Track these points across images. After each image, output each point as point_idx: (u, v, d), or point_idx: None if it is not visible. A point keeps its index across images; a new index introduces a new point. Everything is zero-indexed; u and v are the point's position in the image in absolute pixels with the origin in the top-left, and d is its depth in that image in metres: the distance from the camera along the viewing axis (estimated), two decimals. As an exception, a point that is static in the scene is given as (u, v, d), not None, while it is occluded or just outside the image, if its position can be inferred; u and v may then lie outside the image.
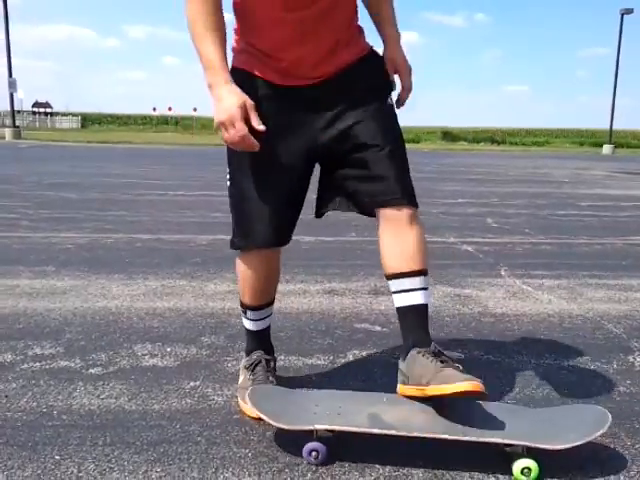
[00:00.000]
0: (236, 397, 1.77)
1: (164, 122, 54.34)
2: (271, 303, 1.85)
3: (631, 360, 2.17)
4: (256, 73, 1.59)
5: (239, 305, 1.85)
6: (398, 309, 1.62)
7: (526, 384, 1.92)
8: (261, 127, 1.47)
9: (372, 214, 1.67)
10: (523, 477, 1.37)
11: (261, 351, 1.83)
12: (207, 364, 2.03)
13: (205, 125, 49.91)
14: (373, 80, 1.65)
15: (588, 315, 2.70)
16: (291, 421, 1.45)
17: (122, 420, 1.62)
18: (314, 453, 1.41)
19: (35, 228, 4.61)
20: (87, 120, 56.51)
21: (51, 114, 57.90)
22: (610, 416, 1.46)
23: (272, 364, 1.84)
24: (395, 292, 1.62)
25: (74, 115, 56.91)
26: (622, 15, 31.94)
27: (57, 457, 1.43)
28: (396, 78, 1.70)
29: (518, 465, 1.37)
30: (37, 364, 1.99)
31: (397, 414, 1.49)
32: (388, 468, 1.41)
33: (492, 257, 3.98)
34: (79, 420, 1.62)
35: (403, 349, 1.59)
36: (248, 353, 1.86)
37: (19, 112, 37.95)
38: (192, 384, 1.87)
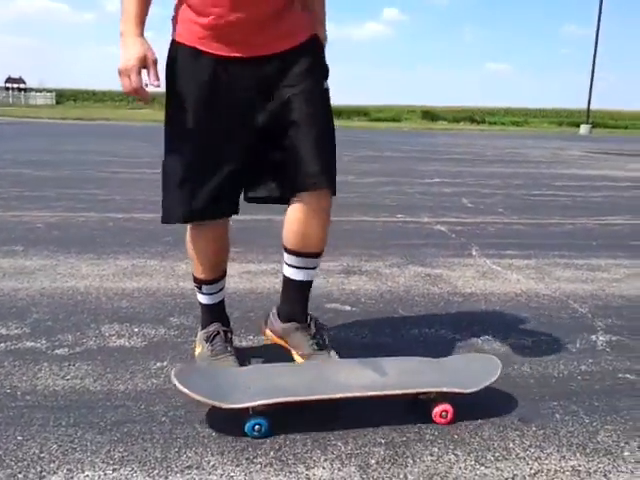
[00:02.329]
0: (202, 377, 1.77)
1: (140, 99, 53.45)
2: (224, 276, 1.89)
3: (594, 339, 2.21)
4: (195, 45, 1.61)
5: (192, 281, 1.87)
6: (289, 279, 1.78)
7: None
8: (155, 83, 1.53)
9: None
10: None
11: (218, 323, 1.87)
12: (175, 344, 2.03)
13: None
14: (312, 61, 1.68)
15: (555, 295, 2.75)
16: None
17: (87, 401, 1.62)
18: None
19: (5, 206, 4.54)
20: (62, 96, 55.40)
21: (25, 90, 56.70)
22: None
23: (230, 335, 1.88)
24: (290, 265, 1.76)
25: (48, 91, 55.76)
26: (601, -6, 32.01)
27: (19, 438, 1.43)
28: None
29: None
30: (2, 345, 1.97)
31: (320, 379, 1.62)
32: (350, 446, 1.43)
33: (464, 237, 4.02)
34: (43, 401, 1.61)
35: (282, 312, 1.83)
36: (204, 326, 1.89)
37: (-9, 87, 37.09)
38: (159, 364, 1.87)
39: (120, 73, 1.53)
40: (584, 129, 32.97)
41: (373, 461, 1.37)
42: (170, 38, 1.67)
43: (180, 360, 1.91)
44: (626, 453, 1.45)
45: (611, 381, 1.86)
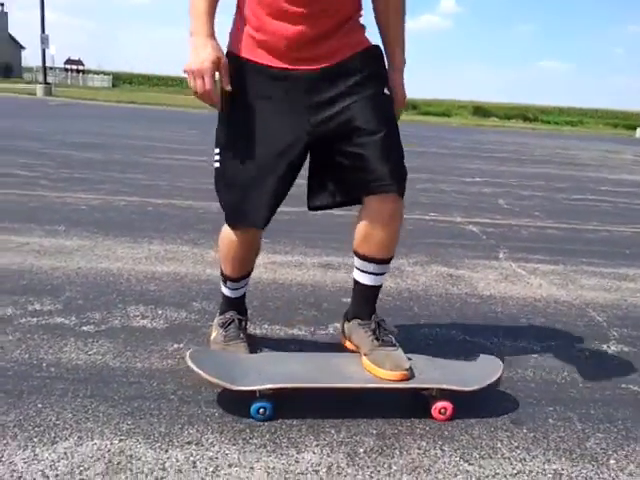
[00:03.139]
0: (214, 361, 1.88)
1: (194, 85, 54.31)
2: (249, 274, 1.95)
3: (604, 348, 2.23)
4: (250, 58, 1.62)
5: (219, 273, 1.94)
6: (356, 282, 1.82)
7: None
8: (228, 87, 1.57)
9: (361, 202, 1.73)
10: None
11: (234, 311, 1.95)
12: (194, 328, 2.14)
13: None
14: (371, 69, 1.69)
15: (575, 302, 2.75)
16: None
17: (105, 376, 1.74)
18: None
19: (53, 187, 4.76)
20: (118, 79, 56.80)
21: (83, 72, 58.27)
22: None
23: (244, 324, 1.97)
24: (358, 269, 1.79)
25: (105, 74, 57.23)
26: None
27: (39, 405, 1.56)
28: None
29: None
30: (34, 319, 2.12)
31: (326, 369, 1.72)
32: (342, 434, 1.51)
33: (494, 239, 4.02)
34: (65, 373, 1.74)
35: (349, 312, 1.88)
36: (222, 313, 1.97)
37: (51, 69, 38.31)
38: (176, 346, 1.98)
39: (191, 73, 1.52)
40: (641, 132, 31.93)
41: (362, 450, 1.45)
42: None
43: (197, 343, 2.01)
44: (612, 461, 1.49)
45: (612, 391, 1.88)
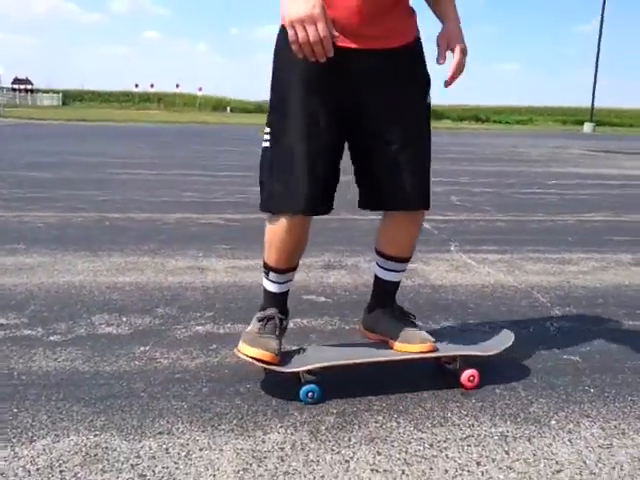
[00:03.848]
0: (181, 359, 1.97)
1: (146, 99, 53.97)
2: (295, 268, 1.88)
3: (547, 325, 2.39)
4: None
5: (262, 265, 1.87)
6: (379, 278, 1.99)
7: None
8: (336, 34, 1.43)
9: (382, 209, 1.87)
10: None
11: (276, 309, 1.85)
12: (158, 332, 2.22)
13: (187, 102, 49.62)
14: (418, 68, 1.73)
15: (520, 286, 2.92)
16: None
17: (75, 380, 1.81)
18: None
19: (8, 207, 4.75)
20: (68, 97, 55.94)
21: (32, 91, 57.22)
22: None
23: (285, 324, 1.87)
24: (382, 267, 1.96)
25: (55, 92, 56.28)
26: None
27: (15, 410, 1.62)
28: (448, 55, 1.67)
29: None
30: (1, 332, 2.16)
31: (355, 349, 1.93)
32: (305, 415, 1.62)
33: (446, 234, 4.19)
34: (37, 380, 1.80)
35: (370, 306, 2.04)
36: (263, 309, 1.88)
37: (-2, 90, 37.47)
38: (142, 349, 2.06)
39: (299, 22, 1.39)
40: (588, 127, 33.06)
41: (323, 427, 1.56)
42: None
43: (163, 345, 2.09)
44: (553, 422, 1.63)
45: (554, 362, 2.03)
